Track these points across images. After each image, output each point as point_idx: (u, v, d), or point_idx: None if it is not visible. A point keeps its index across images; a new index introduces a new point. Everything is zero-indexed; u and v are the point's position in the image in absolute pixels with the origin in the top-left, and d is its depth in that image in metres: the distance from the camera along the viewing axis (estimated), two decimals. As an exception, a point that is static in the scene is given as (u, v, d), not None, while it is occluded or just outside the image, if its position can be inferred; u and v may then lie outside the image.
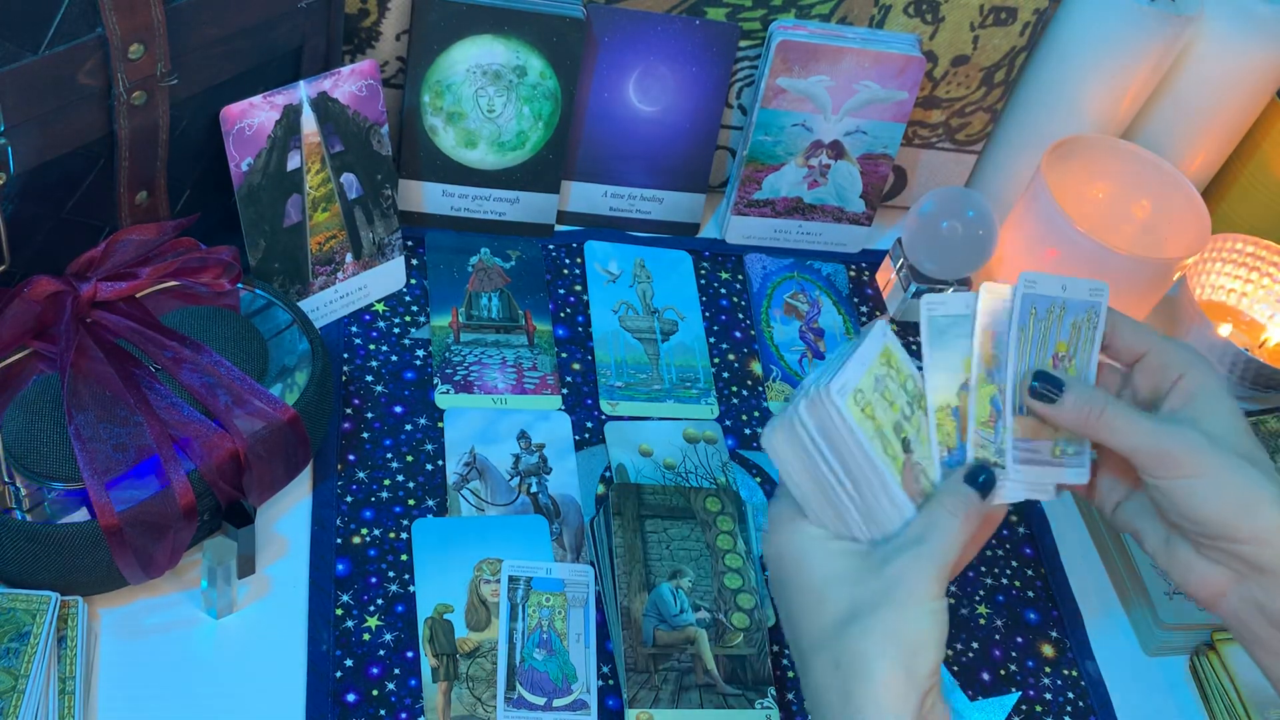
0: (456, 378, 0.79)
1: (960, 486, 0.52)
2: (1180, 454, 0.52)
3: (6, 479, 0.61)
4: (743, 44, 0.88)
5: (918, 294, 0.90)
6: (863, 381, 0.52)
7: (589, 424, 0.80)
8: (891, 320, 0.92)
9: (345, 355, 0.79)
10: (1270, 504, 0.51)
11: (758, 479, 0.80)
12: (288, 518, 0.71)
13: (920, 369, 0.55)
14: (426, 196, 0.87)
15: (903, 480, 0.52)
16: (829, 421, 0.51)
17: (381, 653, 0.66)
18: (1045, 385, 0.54)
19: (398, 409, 0.77)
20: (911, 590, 0.49)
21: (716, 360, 0.86)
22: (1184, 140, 0.96)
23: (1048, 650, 0.76)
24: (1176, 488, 0.52)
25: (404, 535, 0.71)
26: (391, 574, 0.69)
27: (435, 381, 0.79)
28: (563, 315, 0.86)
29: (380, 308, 0.82)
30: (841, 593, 0.50)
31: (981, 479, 0.53)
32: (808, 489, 0.52)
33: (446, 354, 0.81)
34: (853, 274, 0.95)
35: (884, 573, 0.50)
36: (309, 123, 0.74)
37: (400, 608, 0.68)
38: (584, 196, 0.91)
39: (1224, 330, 0.96)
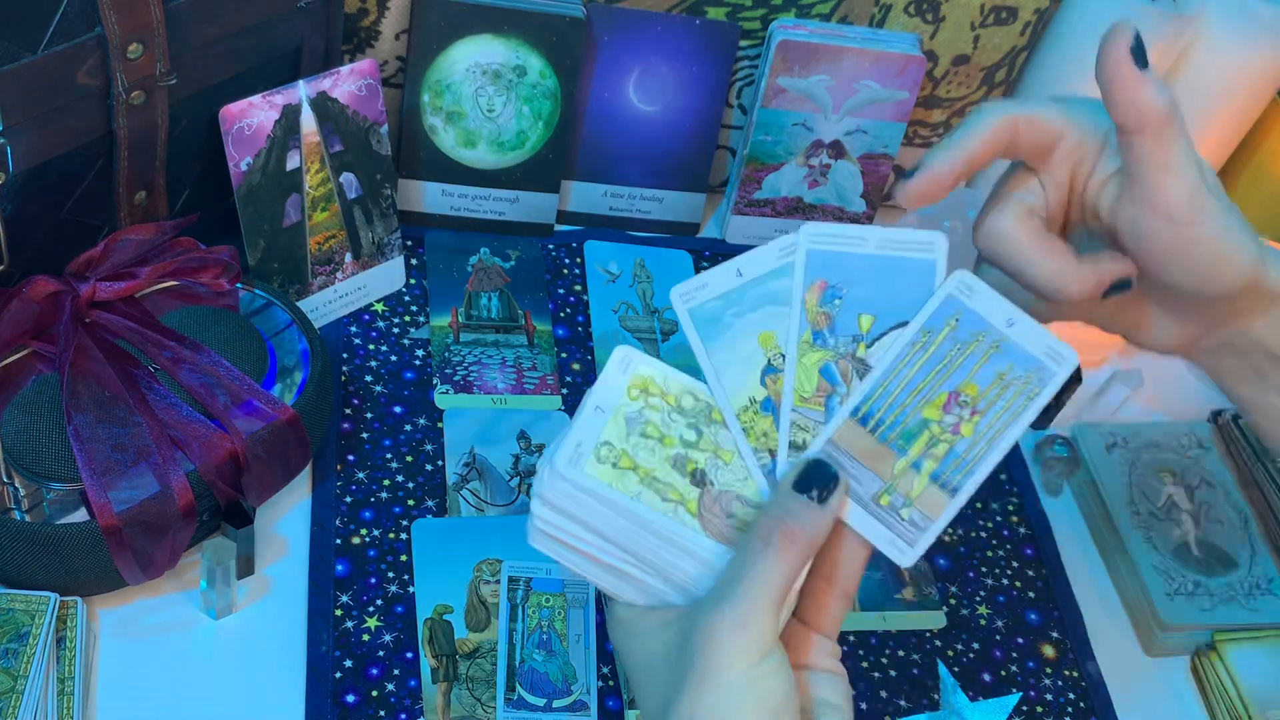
0: (456, 378, 0.79)
1: (785, 499, 0.41)
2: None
3: (5, 479, 0.61)
4: (743, 43, 0.88)
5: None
6: (606, 432, 0.43)
7: (589, 424, 0.79)
8: None
9: (344, 355, 0.79)
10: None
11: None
12: (287, 518, 0.71)
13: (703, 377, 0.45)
14: (426, 196, 0.86)
15: (702, 522, 0.43)
16: (570, 500, 0.42)
17: (381, 653, 0.66)
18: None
19: (397, 409, 0.77)
20: (721, 662, 0.39)
21: (717, 360, 0.86)
22: (1185, 140, 0.96)
23: (1048, 651, 0.75)
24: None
25: (403, 536, 0.71)
26: (391, 574, 0.69)
27: (435, 381, 0.79)
28: (563, 315, 0.86)
29: (380, 308, 0.82)
30: (655, 679, 0.42)
31: (816, 475, 0.42)
32: (596, 575, 0.44)
33: (446, 354, 0.81)
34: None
35: (688, 646, 0.40)
36: (308, 122, 0.74)
37: (400, 608, 0.68)
38: (584, 196, 0.91)
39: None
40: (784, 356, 0.44)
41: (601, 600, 0.48)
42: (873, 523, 0.43)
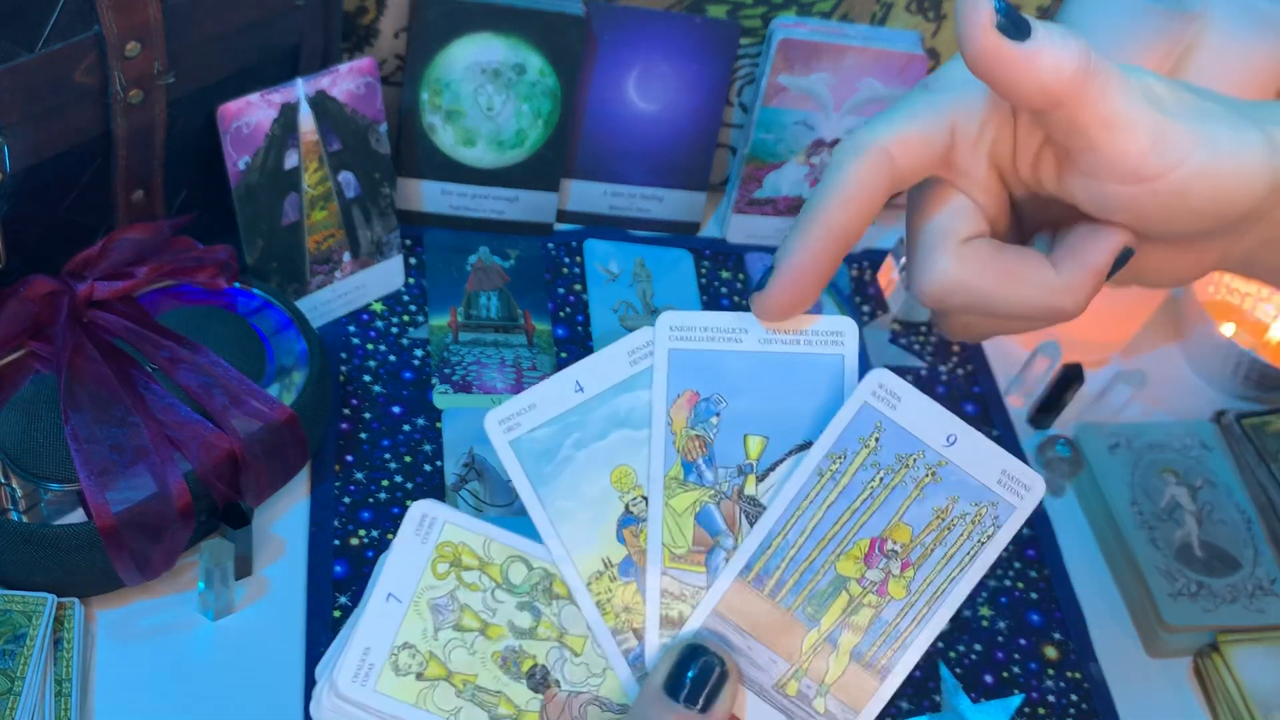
0: (455, 378, 0.79)
1: (650, 709, 0.31)
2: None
3: (2, 480, 0.61)
4: (744, 41, 0.87)
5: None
6: (406, 630, 0.32)
7: (589, 424, 0.79)
8: (895, 321, 0.91)
9: (343, 355, 0.79)
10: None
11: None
12: (285, 519, 0.70)
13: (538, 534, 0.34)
14: (425, 195, 0.86)
15: None
16: None
17: (380, 655, 0.66)
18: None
19: (396, 409, 0.77)
20: None
21: (717, 360, 0.86)
22: (1188, 138, 0.95)
23: (1051, 652, 0.75)
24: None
25: (403, 536, 0.71)
26: (390, 575, 0.69)
27: (434, 381, 0.79)
28: (562, 315, 0.85)
29: (378, 307, 0.82)
30: None
31: (692, 669, 0.31)
32: None
33: (445, 354, 0.80)
34: (854, 273, 0.95)
35: None
36: (307, 121, 0.73)
37: (399, 609, 0.68)
38: (584, 195, 0.91)
39: (1228, 330, 0.95)
40: (646, 500, 0.33)
41: None
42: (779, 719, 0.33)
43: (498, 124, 0.84)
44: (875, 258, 0.96)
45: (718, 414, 0.34)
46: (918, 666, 0.72)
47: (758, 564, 0.33)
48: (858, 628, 0.33)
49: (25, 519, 0.61)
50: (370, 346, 0.80)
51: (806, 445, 0.33)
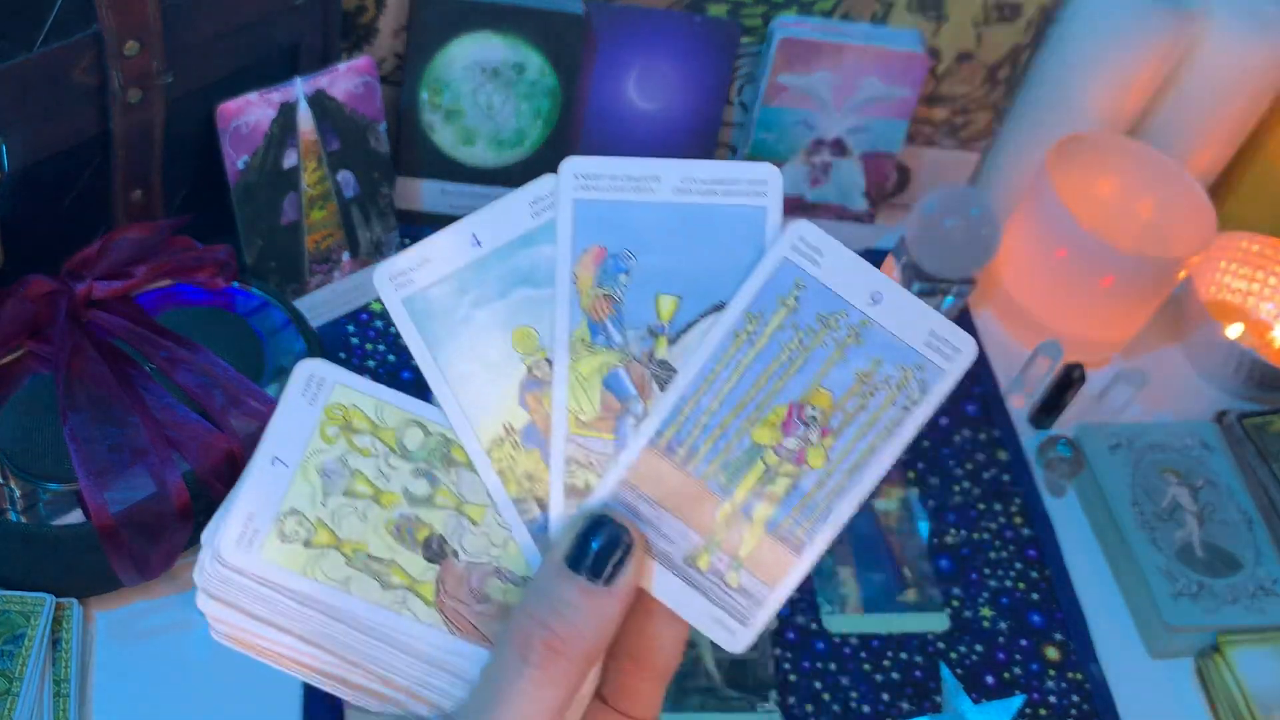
0: (455, 377, 0.79)
1: (550, 584, 0.29)
2: None
3: (1, 480, 0.61)
4: (744, 40, 0.87)
5: (921, 293, 0.89)
6: (292, 495, 0.30)
7: (589, 424, 0.79)
8: None
9: (342, 355, 0.79)
10: None
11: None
12: (285, 519, 0.70)
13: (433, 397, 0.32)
14: (424, 194, 0.86)
15: (443, 613, 0.31)
16: (245, 595, 0.30)
17: (379, 655, 0.66)
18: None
19: (396, 409, 0.76)
20: None
21: (717, 360, 0.85)
22: (1190, 138, 0.95)
23: (1052, 653, 0.75)
24: None
25: (402, 536, 0.71)
26: (389, 576, 0.69)
27: (434, 381, 0.78)
28: (563, 314, 0.85)
29: (377, 307, 0.82)
30: None
31: (596, 541, 0.30)
32: (321, 684, 0.32)
33: (445, 353, 0.80)
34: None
35: None
36: (306, 120, 0.73)
37: (398, 610, 0.67)
38: (584, 195, 0.91)
39: (1231, 330, 0.95)
40: (550, 363, 0.31)
41: None
42: (689, 594, 0.31)
43: (497, 123, 0.84)
44: (875, 258, 0.96)
45: (627, 271, 0.31)
46: (918, 667, 0.72)
47: (669, 431, 0.31)
48: (774, 499, 0.31)
49: (24, 519, 0.60)
50: (369, 346, 0.80)
51: (721, 306, 0.31)
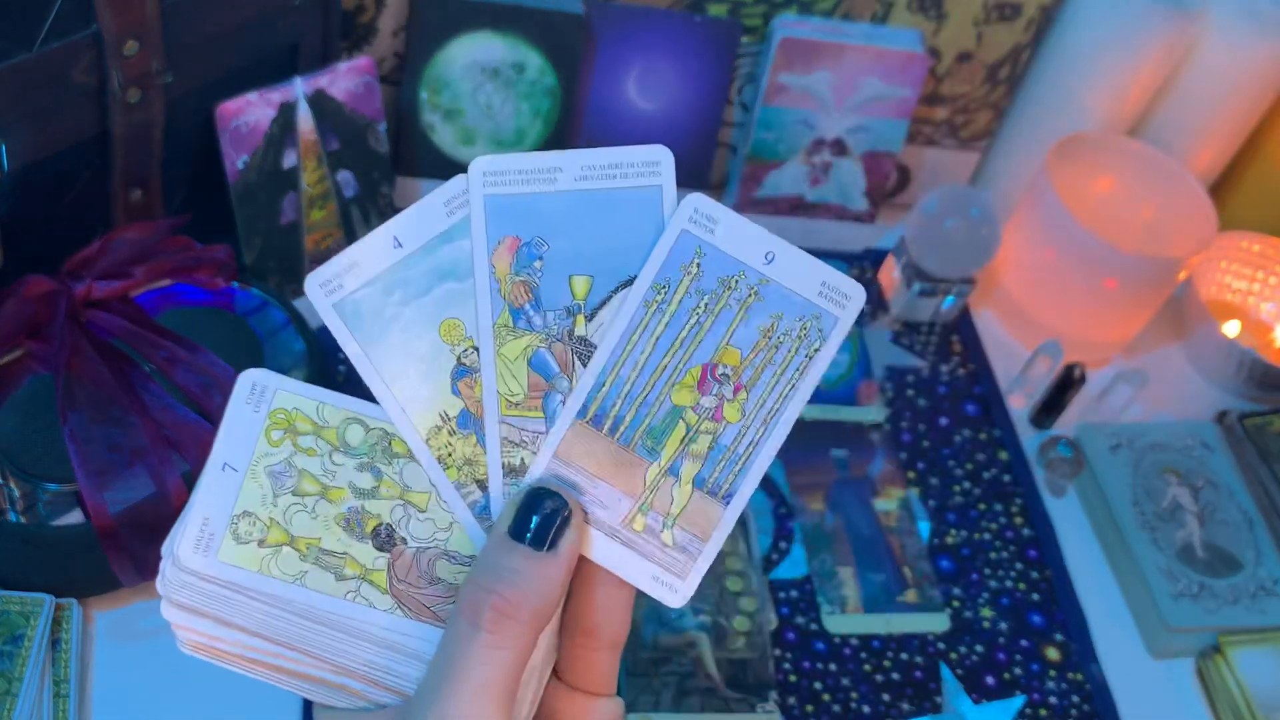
0: (455, 377, 0.79)
1: (495, 554, 0.31)
2: None
3: (1, 480, 0.61)
4: (744, 40, 0.87)
5: (921, 293, 0.89)
6: (244, 498, 0.32)
7: (589, 424, 0.79)
8: (896, 320, 0.91)
9: (341, 355, 0.78)
10: None
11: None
12: (284, 519, 0.70)
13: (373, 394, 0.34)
14: (424, 194, 0.86)
15: (396, 598, 0.32)
16: (206, 598, 0.32)
17: (379, 656, 0.66)
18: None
19: (396, 409, 0.76)
20: None
21: (718, 360, 0.85)
22: (1190, 137, 0.95)
23: (1053, 654, 0.75)
24: None
25: (402, 537, 0.71)
26: (389, 576, 0.69)
27: (434, 381, 0.78)
28: (562, 314, 0.85)
29: (378, 307, 0.82)
30: None
31: (535, 511, 0.31)
32: (284, 682, 0.34)
33: (445, 353, 0.80)
34: (855, 273, 0.94)
35: None
36: (305, 120, 0.73)
37: (398, 610, 0.67)
38: (584, 194, 0.90)
39: (1231, 330, 0.95)
40: (478, 351, 0.33)
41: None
42: (628, 556, 0.32)
43: (497, 123, 0.84)
44: (876, 258, 0.96)
45: (540, 257, 0.33)
46: (918, 667, 0.72)
47: (594, 404, 0.33)
48: (697, 456, 0.33)
49: (23, 519, 0.60)
50: (369, 346, 0.80)
51: (631, 281, 0.33)
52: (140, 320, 0.66)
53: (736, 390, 0.33)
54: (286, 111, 0.72)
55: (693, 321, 0.33)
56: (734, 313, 0.32)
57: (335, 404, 0.34)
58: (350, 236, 0.78)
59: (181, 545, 0.32)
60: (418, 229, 0.33)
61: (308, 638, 0.32)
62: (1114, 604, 0.79)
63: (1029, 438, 0.86)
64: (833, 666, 0.71)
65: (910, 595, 0.75)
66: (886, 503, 0.80)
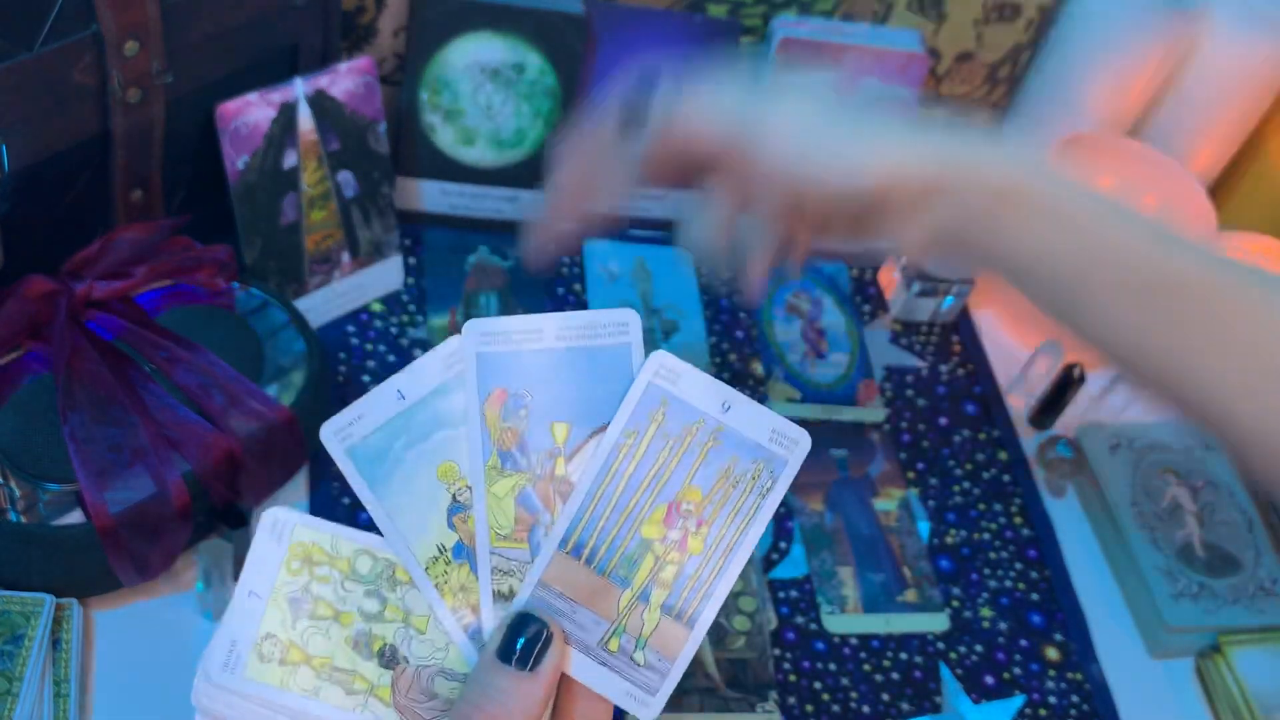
0: (455, 377, 0.79)
1: (484, 673, 0.35)
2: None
3: (1, 480, 0.61)
4: (744, 40, 0.87)
5: (921, 293, 0.89)
6: (267, 622, 0.36)
7: (589, 424, 0.79)
8: (895, 321, 0.91)
9: (342, 355, 0.79)
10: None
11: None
12: (284, 519, 0.70)
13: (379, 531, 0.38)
14: (424, 194, 0.86)
15: (399, 711, 0.36)
16: (234, 710, 0.36)
17: (379, 655, 0.66)
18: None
19: (396, 409, 0.77)
20: None
21: (717, 360, 0.85)
22: (1190, 138, 0.95)
23: (1052, 653, 0.75)
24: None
25: (402, 537, 0.71)
26: (389, 576, 0.69)
27: (434, 381, 0.79)
28: (562, 314, 0.85)
29: (377, 307, 0.82)
30: None
31: (521, 634, 0.35)
32: None
33: (445, 354, 0.80)
34: (855, 273, 0.94)
35: None
36: (306, 120, 0.73)
37: (398, 610, 0.68)
38: (584, 195, 0.91)
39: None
40: (471, 489, 0.37)
41: None
42: (604, 674, 0.36)
43: (497, 123, 0.84)
44: (876, 258, 0.96)
45: (525, 407, 0.38)
46: (918, 667, 0.72)
47: (573, 536, 0.37)
48: (665, 583, 0.37)
49: (23, 519, 0.60)
50: (369, 347, 0.80)
51: (606, 426, 0.37)
52: (140, 320, 0.66)
53: (699, 525, 0.37)
54: (287, 112, 0.72)
55: (660, 463, 0.37)
56: (696, 456, 0.37)
57: (347, 537, 0.37)
58: (350, 236, 0.78)
59: (211, 665, 0.36)
60: (418, 382, 0.37)
61: None
62: (1113, 604, 0.79)
63: (1028, 438, 0.86)
64: (832, 666, 0.71)
65: (910, 595, 0.75)
66: (886, 503, 0.80)
